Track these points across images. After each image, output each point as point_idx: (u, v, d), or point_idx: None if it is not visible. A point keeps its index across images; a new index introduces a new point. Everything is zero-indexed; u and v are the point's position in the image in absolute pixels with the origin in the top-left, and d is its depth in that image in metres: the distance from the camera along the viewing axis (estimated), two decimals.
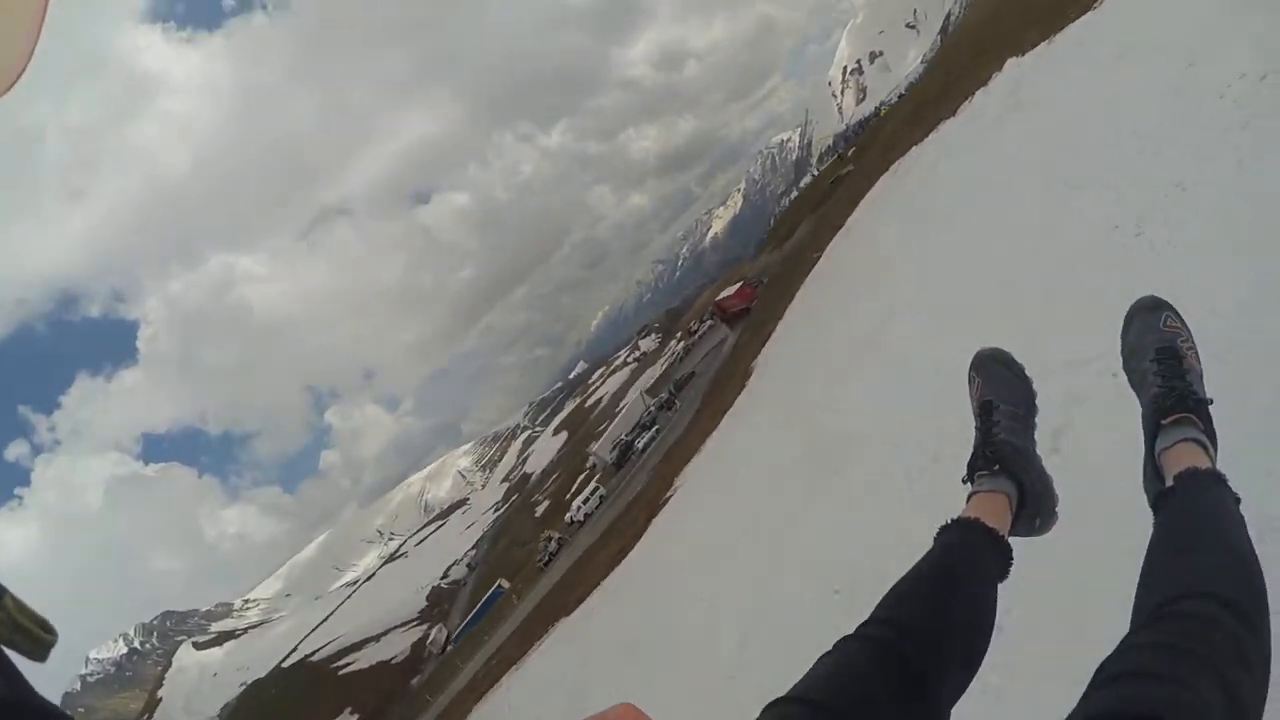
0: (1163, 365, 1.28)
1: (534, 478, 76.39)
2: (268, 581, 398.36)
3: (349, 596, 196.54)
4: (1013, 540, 1.26)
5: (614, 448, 47.14)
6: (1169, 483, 1.14)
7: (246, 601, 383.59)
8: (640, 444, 40.43)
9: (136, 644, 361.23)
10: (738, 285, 48.97)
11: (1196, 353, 1.33)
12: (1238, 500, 1.10)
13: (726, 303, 47.16)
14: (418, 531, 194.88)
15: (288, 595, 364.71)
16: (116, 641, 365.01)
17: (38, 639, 0.66)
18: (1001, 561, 1.20)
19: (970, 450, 1.38)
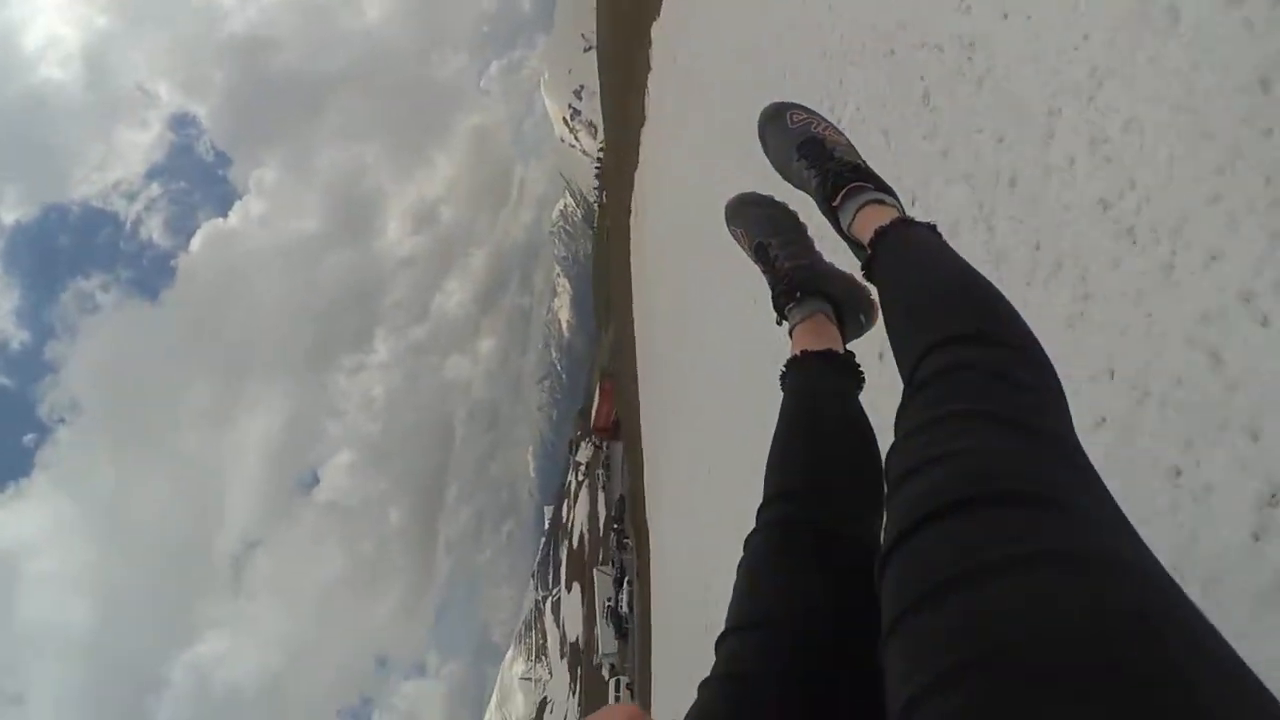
0: (809, 156, 1.26)
1: (580, 641, 73.91)
2: None
3: None
4: (853, 346, 1.28)
5: (608, 621, 44.51)
6: (869, 251, 1.11)
7: None
8: (624, 606, 38.86)
9: None
10: (598, 391, 47.21)
11: (835, 127, 1.32)
12: (932, 227, 1.09)
13: (599, 423, 44.95)
14: None
15: None
16: None
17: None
18: (850, 373, 1.20)
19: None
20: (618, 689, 40.10)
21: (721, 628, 0.86)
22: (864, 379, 1.20)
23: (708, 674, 0.82)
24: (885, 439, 0.83)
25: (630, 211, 26.11)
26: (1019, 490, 0.59)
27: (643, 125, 21.12)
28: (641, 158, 21.95)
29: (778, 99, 1.40)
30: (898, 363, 0.92)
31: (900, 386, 0.85)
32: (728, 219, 1.49)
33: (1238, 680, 0.43)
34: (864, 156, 1.28)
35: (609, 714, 0.58)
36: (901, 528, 0.63)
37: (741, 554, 0.96)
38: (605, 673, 45.96)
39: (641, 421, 22.29)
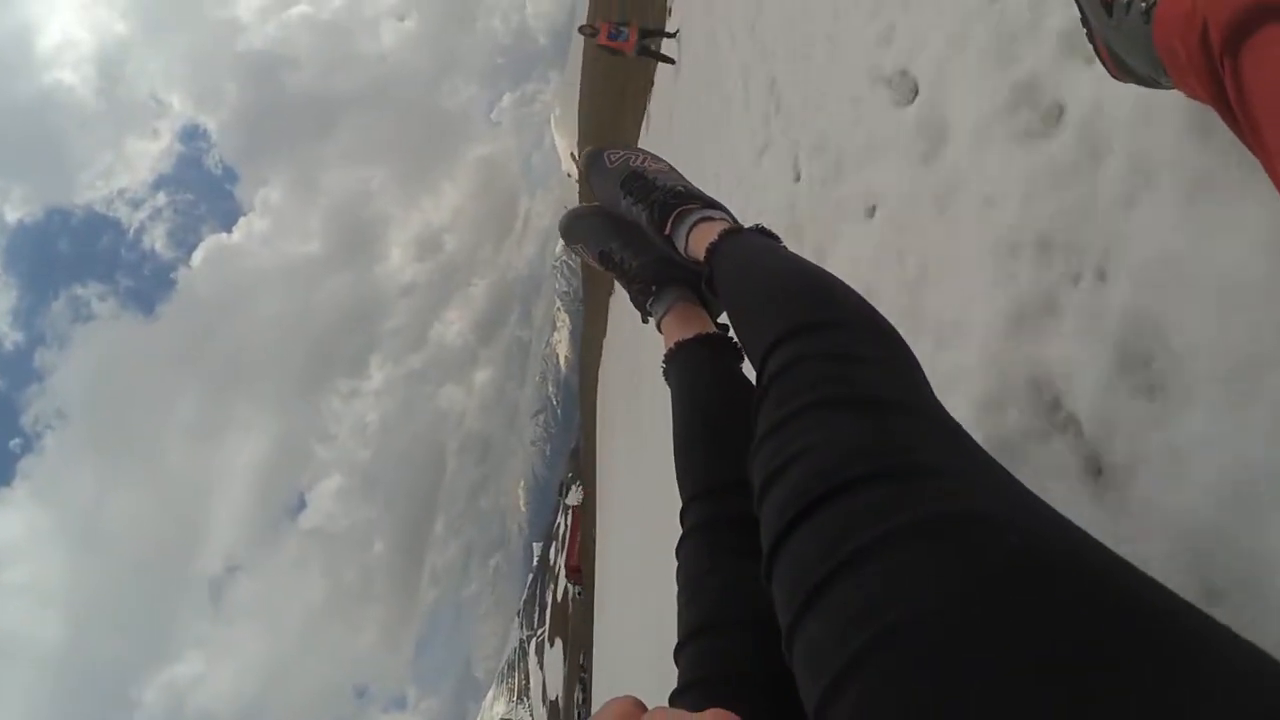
0: (633, 191, 1.26)
1: (560, 701, 71.39)
2: None
3: None
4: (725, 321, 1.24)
5: None
6: (708, 270, 1.10)
7: None
8: None
9: None
10: (570, 518, 42.10)
11: (655, 156, 1.33)
12: (760, 230, 1.08)
13: (571, 559, 38.06)
14: None
15: None
16: None
17: None
18: (726, 349, 1.18)
19: None
20: None
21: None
22: (741, 351, 1.14)
23: (675, 686, 0.81)
24: None
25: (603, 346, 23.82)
26: (874, 470, 0.57)
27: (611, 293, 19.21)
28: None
29: (593, 146, 1.38)
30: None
31: None
32: (565, 239, 1.44)
33: (1130, 611, 0.41)
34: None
35: (606, 712, 0.52)
36: (772, 539, 0.61)
37: (676, 567, 0.95)
38: None
39: (596, 561, 20.11)
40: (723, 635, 0.81)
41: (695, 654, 0.81)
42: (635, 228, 1.33)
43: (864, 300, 0.82)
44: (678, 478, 1.02)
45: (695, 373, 1.14)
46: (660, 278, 1.27)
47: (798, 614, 0.54)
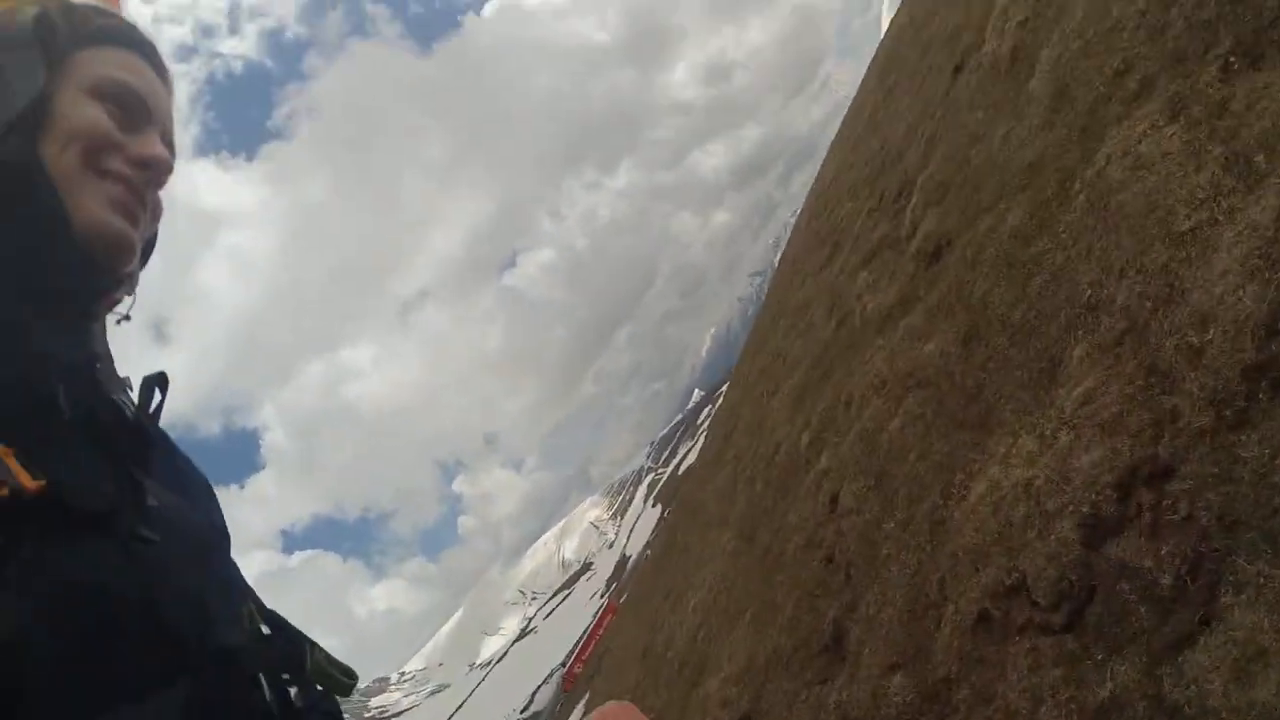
0: None
1: (630, 564, 65.33)
2: (424, 651, 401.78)
3: (480, 683, 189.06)
4: None
5: None
6: None
7: (402, 674, 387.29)
8: None
9: None
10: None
11: None
12: None
13: (575, 668, 31.73)
14: (549, 599, 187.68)
15: (441, 664, 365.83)
16: None
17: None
18: None
19: None
20: None
21: None
22: None
23: None
24: None
25: None
26: None
27: None
28: None
29: None
30: None
31: None
32: None
33: None
34: None
35: (607, 713, 0.52)
36: None
37: None
38: None
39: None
40: None
41: None
42: None
43: None
44: None
45: None
46: None
47: None
